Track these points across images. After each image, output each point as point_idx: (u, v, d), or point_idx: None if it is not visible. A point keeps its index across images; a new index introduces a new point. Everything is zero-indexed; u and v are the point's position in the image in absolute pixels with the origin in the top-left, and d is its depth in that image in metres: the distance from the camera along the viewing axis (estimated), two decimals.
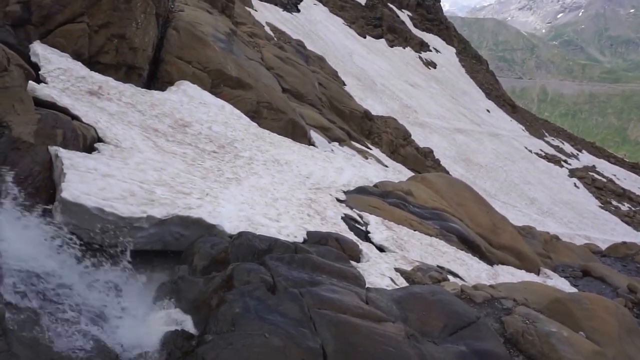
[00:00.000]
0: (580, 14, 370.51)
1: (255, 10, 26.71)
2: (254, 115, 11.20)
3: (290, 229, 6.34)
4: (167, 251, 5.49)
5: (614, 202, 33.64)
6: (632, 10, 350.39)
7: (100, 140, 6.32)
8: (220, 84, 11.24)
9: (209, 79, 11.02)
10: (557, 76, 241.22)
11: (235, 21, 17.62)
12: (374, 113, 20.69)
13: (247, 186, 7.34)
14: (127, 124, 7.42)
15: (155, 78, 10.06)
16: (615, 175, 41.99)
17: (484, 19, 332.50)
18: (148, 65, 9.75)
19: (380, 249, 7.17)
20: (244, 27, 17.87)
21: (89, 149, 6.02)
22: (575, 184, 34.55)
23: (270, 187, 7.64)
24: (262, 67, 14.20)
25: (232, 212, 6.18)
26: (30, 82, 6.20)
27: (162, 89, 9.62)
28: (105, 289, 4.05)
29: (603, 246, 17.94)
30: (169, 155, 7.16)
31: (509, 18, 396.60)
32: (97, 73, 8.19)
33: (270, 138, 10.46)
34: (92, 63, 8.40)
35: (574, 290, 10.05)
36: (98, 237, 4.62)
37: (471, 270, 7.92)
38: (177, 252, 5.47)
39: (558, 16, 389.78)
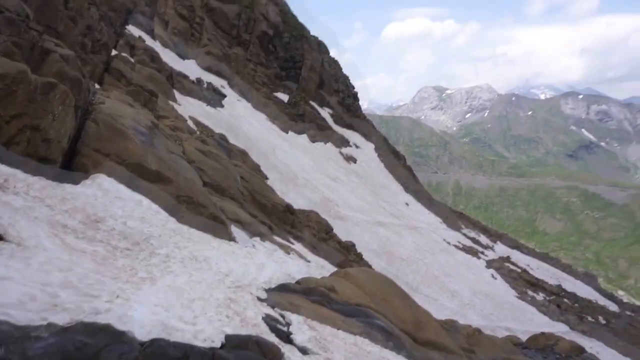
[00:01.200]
0: (486, 114, 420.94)
1: (179, 105, 27.19)
2: (173, 209, 10.93)
3: (207, 332, 5.99)
4: None
5: (530, 292, 35.50)
6: (530, 113, 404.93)
7: (1, 238, 5.80)
8: (138, 177, 10.97)
9: (127, 172, 10.74)
10: (469, 171, 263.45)
11: (157, 114, 17.77)
12: (296, 207, 21.04)
13: (162, 286, 6.96)
14: (32, 219, 6.92)
15: (69, 171, 9.63)
16: (528, 265, 44.91)
17: (400, 117, 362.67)
18: (62, 157, 9.38)
19: (303, 351, 6.93)
20: (166, 121, 18.00)
21: None
22: (492, 274, 36.29)
23: (187, 287, 7.30)
24: (184, 161, 14.17)
25: (144, 316, 5.76)
26: None
27: (76, 182, 9.20)
28: None
29: (523, 337, 18.58)
30: (77, 253, 6.69)
31: (423, 117, 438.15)
32: (3, 165, 7.71)
33: (189, 234, 10.19)
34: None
35: None
36: None
37: None
38: None
39: (466, 116, 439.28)
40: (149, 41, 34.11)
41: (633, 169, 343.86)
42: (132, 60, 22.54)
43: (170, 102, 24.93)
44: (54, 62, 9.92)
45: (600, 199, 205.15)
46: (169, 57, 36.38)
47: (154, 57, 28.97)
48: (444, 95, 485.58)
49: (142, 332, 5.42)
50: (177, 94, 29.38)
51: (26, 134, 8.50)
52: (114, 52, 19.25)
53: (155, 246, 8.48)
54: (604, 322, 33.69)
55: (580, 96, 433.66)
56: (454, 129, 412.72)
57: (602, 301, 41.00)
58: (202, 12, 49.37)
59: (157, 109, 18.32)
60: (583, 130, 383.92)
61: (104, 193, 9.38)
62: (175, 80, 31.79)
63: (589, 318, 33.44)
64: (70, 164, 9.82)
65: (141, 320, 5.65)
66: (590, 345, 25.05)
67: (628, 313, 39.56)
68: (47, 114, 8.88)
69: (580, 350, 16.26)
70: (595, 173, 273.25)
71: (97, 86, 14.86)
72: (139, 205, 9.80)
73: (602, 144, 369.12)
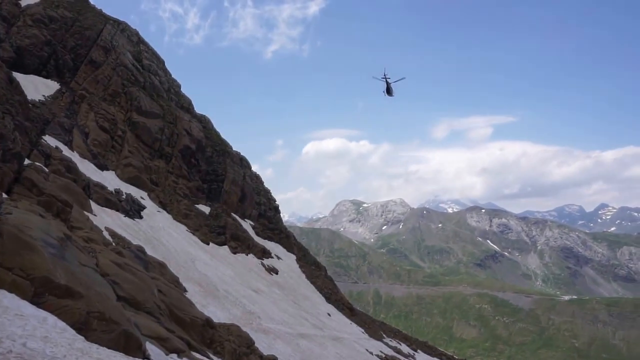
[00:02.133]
0: (401, 226, 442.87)
1: (95, 215, 26.09)
2: (82, 327, 10.09)
3: None
4: None
5: None
6: (440, 225, 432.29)
7: None
8: (45, 292, 10.17)
9: (32, 287, 9.94)
10: (387, 280, 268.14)
11: (71, 225, 16.95)
12: (216, 320, 20.06)
13: None
14: None
15: None
16: None
17: (320, 229, 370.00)
18: None
19: None
20: (80, 232, 17.15)
21: None
22: None
23: None
24: (97, 274, 13.37)
25: None
26: None
27: None
28: None
29: None
30: None
31: (342, 229, 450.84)
32: None
33: (97, 353, 9.37)
34: None
35: None
36: None
37: None
38: None
39: (383, 228, 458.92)
40: (66, 152, 33.32)
41: (534, 276, 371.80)
42: (47, 170, 21.79)
43: (86, 213, 23.86)
44: None
45: (508, 304, 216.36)
46: (87, 168, 35.52)
47: (71, 167, 28.18)
48: (361, 208, 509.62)
49: None
50: (93, 205, 28.27)
51: None
52: (27, 162, 18.61)
53: None
54: None
55: (483, 210, 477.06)
56: (372, 240, 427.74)
57: None
58: (124, 125, 49.81)
59: (71, 219, 17.50)
60: (488, 241, 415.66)
61: (3, 310, 8.58)
62: (93, 191, 30.77)
63: None
64: None
65: None
66: None
67: None
68: None
69: None
70: (502, 280, 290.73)
71: (4, 196, 14.10)
72: (43, 324, 8.99)
73: (506, 253, 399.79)
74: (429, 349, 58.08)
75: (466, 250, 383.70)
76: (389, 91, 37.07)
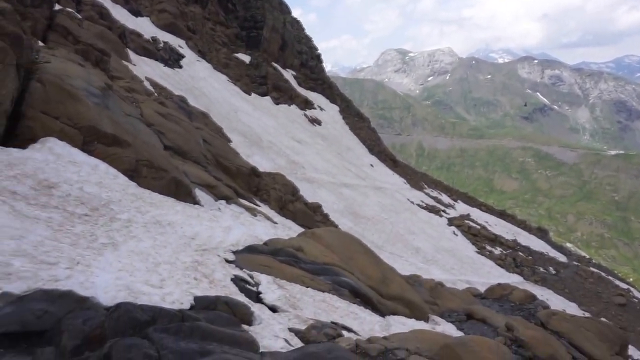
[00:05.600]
0: (447, 77, 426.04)
1: (134, 65, 25.87)
2: (133, 174, 10.50)
3: (175, 295, 5.87)
4: (26, 333, 4.68)
5: (488, 247, 37.10)
6: (489, 76, 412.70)
7: None
8: (93, 141, 10.40)
9: (80, 136, 10.14)
10: (431, 132, 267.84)
11: (111, 75, 16.80)
12: (261, 170, 20.77)
13: (125, 251, 6.72)
14: None
15: (14, 135, 8.98)
16: (487, 222, 46.71)
17: (363, 80, 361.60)
18: (5, 120, 8.72)
19: (273, 309, 6.95)
20: (120, 82, 17.07)
21: None
22: (454, 231, 37.61)
23: (152, 251, 7.09)
24: (142, 124, 13.55)
25: (108, 281, 5.57)
26: None
27: (23, 146, 8.62)
28: None
29: (482, 289, 19.48)
30: (30, 220, 6.31)
31: (386, 79, 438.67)
32: None
33: (150, 198, 9.84)
34: None
35: (460, 333, 10.57)
36: None
37: (364, 324, 7.99)
38: (39, 333, 4.69)
39: (429, 79, 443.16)
40: None
41: (582, 131, 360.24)
42: (79, 16, 21.03)
43: (124, 63, 23.63)
44: None
45: (552, 158, 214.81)
46: (120, 13, 34.22)
47: (103, 13, 27.17)
48: (406, 58, 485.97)
49: (107, 297, 5.24)
50: (131, 54, 27.88)
51: None
52: (57, 7, 17.84)
53: (115, 211, 8.15)
54: (554, 272, 35.85)
55: (535, 61, 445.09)
56: (417, 91, 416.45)
57: (553, 253, 43.47)
58: None
59: (110, 69, 17.31)
60: (538, 93, 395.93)
61: (56, 157, 8.85)
62: (129, 39, 30.09)
63: (541, 269, 35.48)
64: (15, 128, 9.16)
65: (105, 285, 5.46)
66: (542, 293, 26.71)
67: (575, 263, 42.23)
68: None
69: (532, 298, 17.22)
70: (548, 134, 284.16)
71: (40, 44, 13.77)
72: (96, 170, 9.34)
73: (555, 107, 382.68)
74: (469, 200, 59.83)
75: (514, 103, 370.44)
76: None
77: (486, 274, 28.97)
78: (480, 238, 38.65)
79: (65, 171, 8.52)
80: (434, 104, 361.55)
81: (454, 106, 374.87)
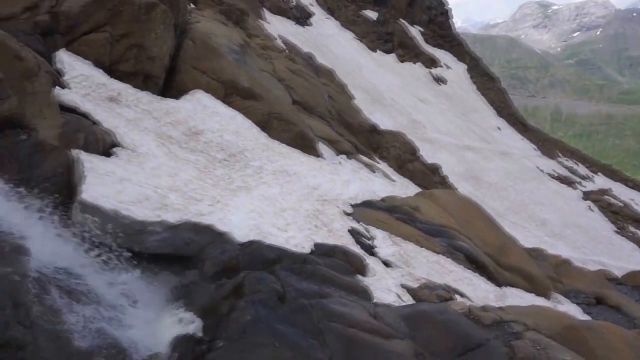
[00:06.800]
0: (598, 32, 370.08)
1: (268, 23, 27.09)
2: (264, 125, 11.37)
3: (297, 239, 6.44)
4: (176, 255, 5.60)
5: (632, 228, 32.90)
6: None
7: (117, 145, 6.49)
8: (232, 94, 11.43)
9: (222, 89, 11.22)
10: (571, 96, 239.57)
11: (248, 33, 17.94)
12: (382, 127, 20.81)
13: (256, 195, 7.48)
14: (143, 130, 7.62)
15: (170, 87, 10.27)
16: (633, 200, 41.10)
17: (496, 36, 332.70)
18: (164, 74, 9.98)
19: (386, 264, 7.22)
20: (256, 40, 18.16)
21: (107, 153, 6.19)
22: (589, 207, 33.93)
23: (279, 197, 7.77)
24: (274, 79, 14.43)
25: (241, 221, 6.29)
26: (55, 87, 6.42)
27: (177, 97, 9.83)
28: (119, 289, 4.19)
29: (619, 273, 17.17)
30: (182, 161, 7.32)
31: (523, 36, 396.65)
32: (116, 80, 8.42)
33: (279, 149, 10.62)
34: (112, 71, 8.63)
35: (586, 317, 9.71)
36: (112, 239, 4.75)
37: (478, 291, 7.88)
38: (186, 257, 5.59)
39: (574, 35, 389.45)
40: None
41: None
42: None
43: (260, 21, 24.92)
44: None
45: None
46: None
47: None
48: (549, 11, 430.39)
49: (240, 234, 5.95)
50: (266, 13, 29.22)
51: (133, 51, 9.08)
52: None
53: (249, 158, 9.02)
54: None
55: None
56: (558, 49, 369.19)
57: None
58: None
59: (248, 27, 18.48)
60: None
61: (203, 108, 9.95)
62: None
63: None
64: (170, 81, 10.45)
65: (239, 223, 6.18)
66: None
67: None
68: (150, 33, 9.37)
69: None
70: None
71: (192, 5, 15.23)
72: (233, 120, 10.31)
73: None
74: (611, 173, 52.86)
75: None
76: None
77: (626, 257, 25.95)
78: (621, 217, 34.39)
79: (209, 120, 9.58)
80: (577, 63, 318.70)
81: (603, 66, 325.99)
